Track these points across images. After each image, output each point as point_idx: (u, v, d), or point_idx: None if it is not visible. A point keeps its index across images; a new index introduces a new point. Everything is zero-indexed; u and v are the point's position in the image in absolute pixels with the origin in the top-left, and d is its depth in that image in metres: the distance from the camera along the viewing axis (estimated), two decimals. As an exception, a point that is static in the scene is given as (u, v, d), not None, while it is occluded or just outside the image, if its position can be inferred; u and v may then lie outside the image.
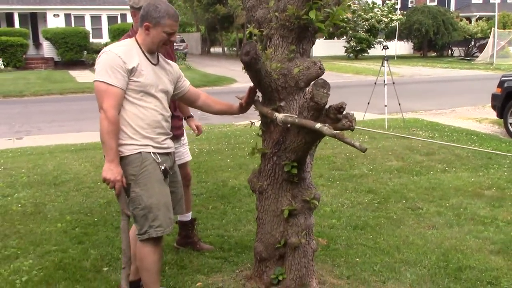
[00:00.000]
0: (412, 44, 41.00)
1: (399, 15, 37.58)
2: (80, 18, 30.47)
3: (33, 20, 31.11)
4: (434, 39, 36.77)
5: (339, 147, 7.84)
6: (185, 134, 4.12)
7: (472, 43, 38.14)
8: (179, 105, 4.02)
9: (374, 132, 9.20)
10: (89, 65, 26.00)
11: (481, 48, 34.81)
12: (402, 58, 36.19)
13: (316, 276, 3.48)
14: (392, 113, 11.39)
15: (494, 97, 10.06)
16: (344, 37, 37.17)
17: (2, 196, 5.78)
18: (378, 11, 36.87)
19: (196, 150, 7.95)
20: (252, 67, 2.88)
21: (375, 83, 10.67)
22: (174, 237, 4.35)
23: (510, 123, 9.58)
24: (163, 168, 3.03)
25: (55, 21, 29.66)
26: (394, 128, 9.88)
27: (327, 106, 2.74)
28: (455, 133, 9.48)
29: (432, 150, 7.90)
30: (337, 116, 2.72)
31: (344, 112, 2.73)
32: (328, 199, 5.53)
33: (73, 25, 29.86)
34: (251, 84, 3.20)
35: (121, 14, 30.42)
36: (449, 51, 40.17)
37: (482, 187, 5.95)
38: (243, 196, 5.66)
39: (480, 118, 11.80)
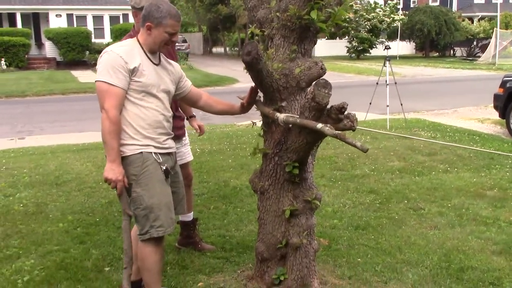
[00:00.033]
0: (414, 44, 40.97)
1: (401, 15, 37.53)
2: (82, 18, 30.50)
3: (35, 20, 31.16)
4: (436, 39, 36.74)
5: (341, 147, 7.83)
6: (186, 134, 4.12)
7: (474, 43, 38.09)
8: (181, 105, 4.02)
9: (376, 132, 9.19)
10: (91, 65, 26.02)
11: (483, 48, 34.76)
12: (404, 58, 36.18)
13: (317, 277, 3.47)
14: (394, 113, 11.37)
15: (496, 97, 10.04)
16: (346, 37, 37.15)
17: (4, 196, 5.79)
18: (380, 11, 36.83)
19: (197, 150, 7.95)
20: (253, 67, 2.88)
21: (377, 83, 10.65)
22: (175, 237, 4.35)
23: (513, 123, 9.56)
24: (164, 168, 3.03)
25: (57, 21, 29.69)
26: (396, 129, 9.87)
27: (328, 106, 2.74)
28: (457, 133, 9.46)
29: (434, 150, 7.89)
30: (338, 116, 2.72)
31: (346, 112, 2.73)
32: (330, 199, 5.53)
33: (75, 25, 29.89)
34: (253, 84, 3.20)
35: (123, 14, 30.44)
36: (451, 51, 40.13)
37: (484, 188, 5.94)
38: (244, 196, 5.65)
39: (482, 118, 11.78)
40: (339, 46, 38.64)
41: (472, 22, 40.40)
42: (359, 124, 2.96)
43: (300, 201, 3.28)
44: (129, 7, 3.65)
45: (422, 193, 5.74)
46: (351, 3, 3.34)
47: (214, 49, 53.55)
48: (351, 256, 4.07)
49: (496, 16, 30.92)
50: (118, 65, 2.91)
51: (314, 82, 2.77)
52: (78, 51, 28.18)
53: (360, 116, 10.40)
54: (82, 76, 23.06)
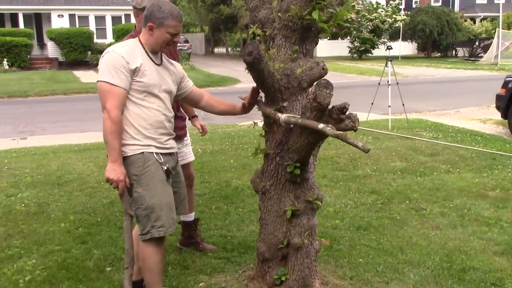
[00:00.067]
0: (416, 44, 40.94)
1: (403, 15, 37.54)
2: (84, 19, 30.56)
3: (37, 20, 31.22)
4: (438, 40, 36.71)
5: (343, 148, 7.82)
6: (188, 134, 4.12)
7: (477, 43, 38.04)
8: (183, 105, 4.02)
9: (377, 132, 9.18)
10: (93, 65, 26.06)
11: (486, 48, 34.71)
12: (406, 58, 36.14)
13: (319, 277, 3.47)
14: (396, 113, 11.36)
15: (498, 97, 10.03)
16: (348, 37, 37.16)
17: (6, 196, 5.79)
18: (382, 11, 36.83)
19: (199, 150, 7.95)
20: (255, 68, 2.88)
21: (379, 83, 10.65)
22: (177, 237, 4.35)
23: (515, 124, 9.55)
24: (165, 168, 3.03)
25: (59, 22, 29.75)
26: (398, 129, 9.86)
27: (330, 107, 2.73)
28: (459, 133, 9.45)
29: (436, 150, 7.88)
30: (340, 117, 2.72)
31: (347, 113, 2.72)
32: (331, 200, 5.52)
33: (77, 25, 29.95)
34: (255, 85, 3.20)
35: (125, 15, 30.49)
36: (454, 52, 40.08)
37: (486, 188, 5.93)
38: (246, 197, 5.65)
39: (484, 118, 11.77)
40: (341, 47, 38.63)
41: (474, 23, 40.34)
42: (361, 124, 2.96)
43: (302, 201, 3.28)
44: (131, 8, 3.66)
45: (424, 194, 5.73)
46: (353, 4, 3.34)
47: (216, 50, 53.57)
48: (353, 256, 4.07)
49: (498, 16, 30.89)
50: (119, 65, 2.91)
51: (315, 83, 2.76)
52: (80, 51, 28.22)
53: (362, 116, 10.39)
54: (84, 76, 23.10)
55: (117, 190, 2.95)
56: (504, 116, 9.88)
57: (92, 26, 30.31)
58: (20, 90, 18.02)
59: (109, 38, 29.79)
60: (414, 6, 44.52)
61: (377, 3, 37.55)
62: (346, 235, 4.53)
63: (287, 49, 3.17)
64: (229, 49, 49.39)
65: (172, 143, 3.17)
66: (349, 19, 32.68)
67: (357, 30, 35.22)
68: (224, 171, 6.77)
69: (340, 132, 2.61)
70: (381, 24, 36.24)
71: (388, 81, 10.28)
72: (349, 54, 36.92)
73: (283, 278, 3.36)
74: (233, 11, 40.17)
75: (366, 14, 35.78)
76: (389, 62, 10.31)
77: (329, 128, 2.61)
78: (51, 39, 28.29)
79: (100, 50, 24.84)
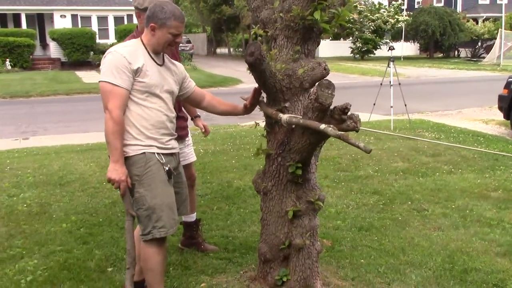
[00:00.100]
0: (418, 45, 40.91)
1: (406, 16, 37.48)
2: (86, 19, 30.60)
3: (40, 20, 31.26)
4: (440, 40, 36.66)
5: (345, 148, 7.82)
6: (189, 134, 4.12)
7: (479, 44, 37.99)
8: (186, 106, 4.02)
9: (379, 133, 9.17)
10: (96, 65, 26.10)
11: (488, 49, 34.68)
12: (408, 59, 36.11)
13: (320, 278, 3.46)
14: (398, 114, 11.35)
15: (500, 98, 10.02)
16: (350, 38, 37.13)
17: (8, 196, 5.80)
18: (384, 12, 36.78)
19: (201, 150, 7.95)
20: (256, 68, 2.88)
21: (381, 84, 10.64)
22: (178, 237, 4.35)
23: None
24: (167, 168, 3.03)
25: (61, 22, 29.80)
26: (400, 129, 9.85)
27: (331, 107, 2.73)
28: (461, 134, 9.44)
29: (438, 151, 7.87)
30: (341, 117, 2.71)
31: (349, 113, 2.72)
32: (333, 200, 5.52)
33: (79, 25, 30.00)
34: (256, 85, 3.20)
35: (128, 15, 30.54)
36: (456, 52, 40.03)
37: (489, 189, 5.92)
38: (248, 197, 5.65)
39: (486, 119, 11.75)
40: (343, 47, 38.62)
41: (477, 23, 40.29)
42: (363, 125, 2.96)
43: (303, 202, 3.27)
44: (133, 8, 3.66)
45: (426, 194, 5.72)
46: (355, 4, 3.34)
47: (218, 50, 53.57)
48: (354, 257, 4.06)
49: (501, 17, 30.83)
50: (121, 66, 2.91)
51: (317, 83, 2.76)
52: (82, 51, 28.26)
53: (364, 117, 10.39)
54: (87, 76, 23.12)
55: (119, 190, 2.95)
56: (507, 116, 9.87)
57: (95, 27, 30.36)
58: (22, 90, 18.05)
59: (112, 38, 29.83)
60: (416, 6, 44.47)
61: (379, 4, 37.52)
62: (348, 236, 4.52)
63: (289, 50, 3.17)
64: (231, 49, 49.40)
65: (173, 143, 3.17)
66: (352, 20, 32.74)
67: (359, 31, 35.20)
68: (226, 172, 6.77)
69: (342, 132, 2.61)
70: (383, 24, 36.19)
71: (390, 82, 10.27)
72: (351, 54, 36.91)
73: (284, 279, 3.35)
74: (235, 11, 40.18)
75: (369, 14, 35.75)
76: (391, 63, 10.30)
77: (330, 128, 2.61)
78: (53, 39, 28.33)
79: (102, 51, 24.87)
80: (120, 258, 4.06)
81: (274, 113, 3.12)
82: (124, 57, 2.92)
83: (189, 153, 4.09)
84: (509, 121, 9.86)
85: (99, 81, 2.97)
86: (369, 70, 26.10)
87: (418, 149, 8.00)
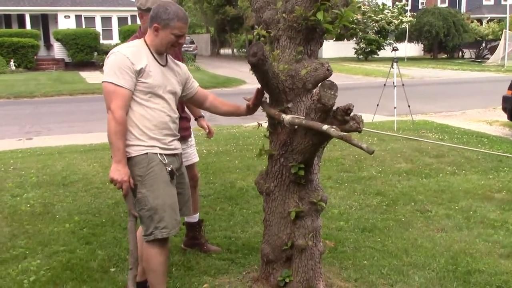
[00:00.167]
0: (422, 45, 40.83)
1: (410, 16, 37.44)
2: (90, 19, 30.65)
3: (44, 21, 31.34)
4: (444, 41, 36.61)
5: (348, 149, 7.80)
6: (192, 135, 4.12)
7: (483, 45, 37.93)
8: (189, 106, 4.02)
9: (383, 134, 9.16)
10: (100, 66, 26.12)
11: (492, 50, 34.61)
12: (412, 59, 36.05)
13: (323, 279, 3.46)
14: (401, 115, 11.33)
15: (505, 99, 9.99)
16: (354, 38, 37.10)
17: (11, 196, 5.81)
18: (388, 12, 36.75)
19: (204, 151, 7.95)
20: (259, 68, 2.87)
21: (384, 84, 10.62)
22: (181, 238, 4.35)
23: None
24: (169, 169, 3.03)
25: (66, 22, 29.85)
26: (404, 130, 9.83)
27: (334, 108, 2.72)
28: (465, 135, 9.41)
29: (442, 152, 7.85)
30: (344, 118, 2.71)
31: (352, 114, 2.71)
32: (336, 201, 5.51)
33: (83, 26, 30.04)
34: (260, 86, 3.19)
35: (131, 16, 30.54)
36: (460, 53, 39.95)
37: (492, 190, 5.90)
38: (250, 198, 5.65)
39: (490, 120, 11.72)
40: (347, 48, 38.59)
41: (481, 24, 40.20)
42: (366, 125, 2.95)
43: (306, 202, 3.27)
44: (136, 8, 3.66)
45: (429, 195, 5.71)
46: (359, 5, 3.33)
47: (222, 51, 53.61)
48: (357, 258, 4.05)
49: (505, 17, 30.76)
50: (124, 66, 2.91)
51: (320, 84, 2.76)
52: (86, 52, 28.31)
53: (368, 117, 10.37)
54: (90, 77, 23.17)
55: (121, 190, 2.96)
56: (511, 117, 9.84)
57: (98, 27, 30.40)
58: (26, 90, 18.10)
59: (115, 39, 29.87)
60: (420, 7, 44.40)
61: (383, 4, 37.49)
62: (351, 237, 4.51)
63: (291, 50, 3.16)
64: (235, 50, 49.41)
65: (176, 144, 3.17)
66: (355, 20, 32.68)
67: (363, 31, 35.16)
68: (228, 172, 6.77)
69: (345, 133, 2.60)
70: (387, 25, 36.15)
71: (393, 83, 10.25)
72: (355, 55, 36.87)
73: (287, 280, 3.35)
74: (238, 12, 40.20)
75: (372, 15, 35.72)
76: (395, 63, 10.29)
77: (333, 129, 2.60)
78: (57, 40, 28.40)
79: (106, 51, 24.89)
80: (122, 258, 4.06)
81: (276, 114, 3.12)
82: (127, 58, 2.92)
83: (192, 154, 4.08)
84: (513, 122, 9.84)
85: (102, 82, 2.97)
86: (372, 71, 26.07)
87: (421, 150, 7.98)
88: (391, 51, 11.91)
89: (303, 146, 2.99)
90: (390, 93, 10.45)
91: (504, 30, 30.87)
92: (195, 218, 4.22)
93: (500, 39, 32.36)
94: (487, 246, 4.30)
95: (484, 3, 44.11)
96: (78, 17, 30.29)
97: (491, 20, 41.09)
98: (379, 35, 35.88)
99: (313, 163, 3.22)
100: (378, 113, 11.01)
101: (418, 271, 3.84)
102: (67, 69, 27.93)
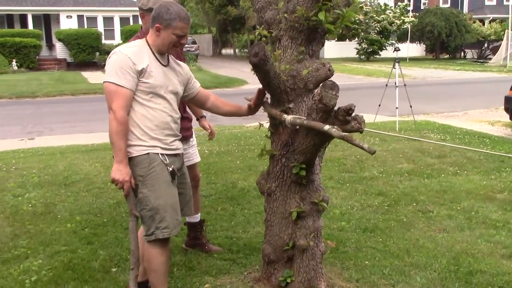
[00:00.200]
0: (424, 46, 40.79)
1: (412, 17, 37.40)
2: (92, 20, 30.69)
3: (46, 21, 31.39)
4: (446, 41, 36.56)
5: (349, 149, 7.80)
6: (194, 135, 4.12)
7: (485, 45, 37.86)
8: (191, 106, 4.02)
9: (385, 134, 9.15)
10: (101, 66, 26.13)
11: (494, 50, 34.55)
12: (414, 60, 36.01)
13: (324, 279, 3.45)
14: (403, 115, 11.32)
15: (507, 99, 9.98)
16: (356, 39, 37.07)
17: (13, 196, 5.82)
18: (390, 13, 36.71)
19: (206, 151, 7.95)
20: (260, 69, 2.87)
21: (386, 85, 10.62)
22: (182, 238, 4.35)
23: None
24: (171, 169, 3.03)
25: (68, 23, 29.90)
26: (405, 131, 9.82)
27: (336, 108, 2.72)
28: (467, 135, 9.40)
29: (444, 152, 7.84)
30: (346, 118, 2.71)
31: (353, 114, 2.71)
32: (338, 202, 5.50)
33: (85, 26, 30.09)
34: (261, 86, 3.19)
35: (133, 16, 30.59)
36: (462, 53, 39.91)
37: (494, 191, 5.89)
38: (252, 198, 5.64)
39: (492, 120, 11.70)
40: (349, 48, 38.56)
41: (483, 24, 40.13)
42: (368, 126, 2.95)
43: (307, 203, 3.26)
44: (138, 9, 3.66)
45: (431, 196, 5.70)
46: (361, 5, 3.33)
47: (224, 51, 53.60)
48: (359, 258, 4.05)
49: (508, 18, 30.69)
50: (126, 66, 2.91)
51: (321, 84, 2.75)
52: (88, 52, 28.35)
53: (369, 118, 10.37)
54: (92, 77, 23.19)
55: (123, 190, 2.96)
56: (513, 118, 9.83)
57: (100, 27, 30.45)
58: (28, 90, 18.12)
59: (117, 39, 29.90)
60: (422, 7, 44.37)
61: (385, 5, 37.45)
62: (352, 237, 4.51)
63: (293, 50, 3.16)
64: (237, 50, 49.39)
65: (178, 144, 3.17)
66: (357, 21, 32.66)
67: (365, 32, 35.13)
68: (230, 172, 6.77)
69: (346, 133, 2.60)
70: (389, 25, 36.11)
71: (395, 83, 10.24)
72: (357, 55, 36.85)
73: (288, 280, 3.35)
74: (240, 12, 40.21)
75: (374, 15, 35.68)
76: (397, 64, 10.28)
77: (334, 129, 2.60)
78: (59, 40, 28.44)
79: (108, 51, 24.77)
80: (124, 258, 4.06)
81: (278, 114, 3.12)
82: (128, 58, 2.92)
83: (194, 154, 4.08)
84: (515, 122, 9.82)
85: (103, 82, 2.98)
86: (374, 71, 26.05)
87: (423, 151, 7.97)
88: (393, 52, 11.89)
89: (304, 146, 2.99)
90: (392, 93, 10.44)
91: (506, 31, 30.83)
92: (196, 218, 4.22)
93: (502, 40, 32.31)
94: (489, 247, 4.29)
95: (486, 3, 44.04)
96: (80, 17, 30.34)
97: (493, 20, 41.01)
98: (381, 35, 35.84)
99: (315, 163, 3.22)
100: (380, 113, 11.00)
101: (420, 271, 3.84)
102: (69, 69, 27.97)
